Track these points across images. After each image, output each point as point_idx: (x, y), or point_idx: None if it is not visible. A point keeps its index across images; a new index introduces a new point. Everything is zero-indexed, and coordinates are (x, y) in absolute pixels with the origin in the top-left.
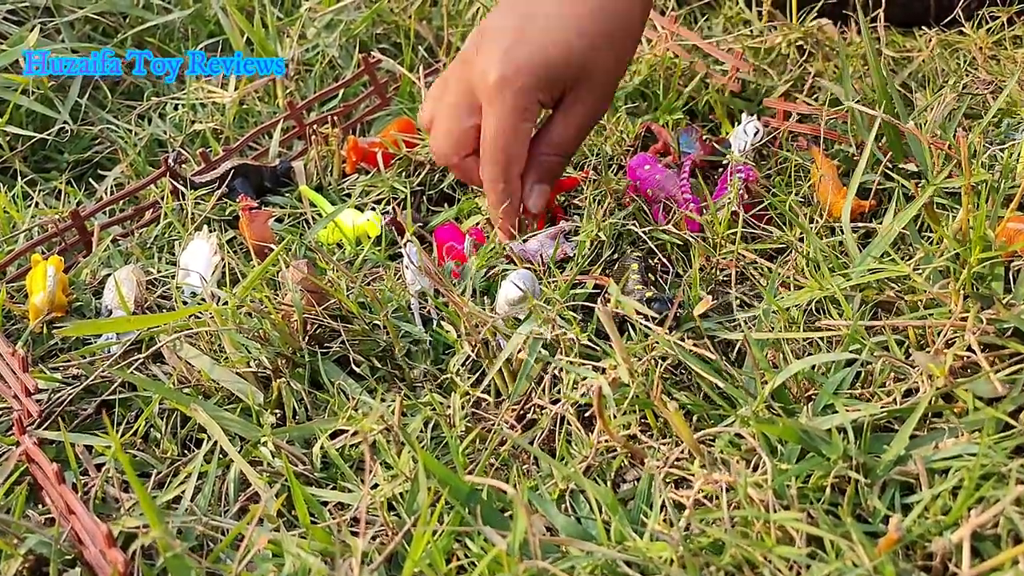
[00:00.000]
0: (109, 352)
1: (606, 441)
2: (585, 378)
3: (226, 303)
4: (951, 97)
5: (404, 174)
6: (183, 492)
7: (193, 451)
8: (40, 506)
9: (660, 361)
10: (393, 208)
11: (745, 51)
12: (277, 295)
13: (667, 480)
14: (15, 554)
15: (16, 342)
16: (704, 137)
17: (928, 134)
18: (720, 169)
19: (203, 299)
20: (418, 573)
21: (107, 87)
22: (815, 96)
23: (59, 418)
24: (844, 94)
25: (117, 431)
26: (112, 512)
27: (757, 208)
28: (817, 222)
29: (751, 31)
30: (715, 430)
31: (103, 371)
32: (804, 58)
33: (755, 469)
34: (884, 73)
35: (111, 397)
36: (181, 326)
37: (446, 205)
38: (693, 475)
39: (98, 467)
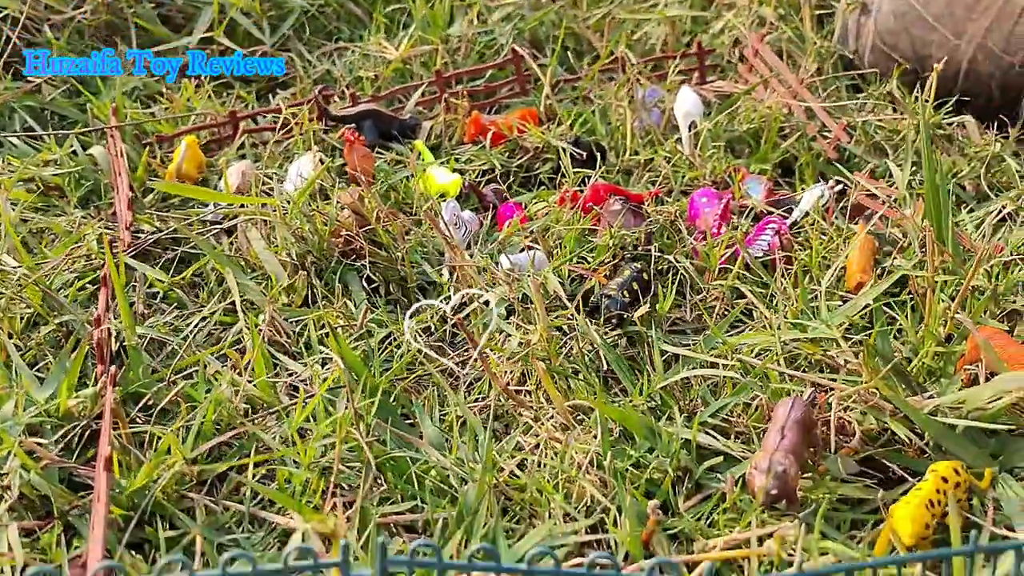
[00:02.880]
0: (204, 218)
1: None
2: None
3: (289, 203)
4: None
5: (508, 155)
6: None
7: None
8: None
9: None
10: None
11: (865, 126)
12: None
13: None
14: None
15: (147, 195)
16: (772, 187)
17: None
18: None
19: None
20: None
21: (311, 25)
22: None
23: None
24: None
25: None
26: None
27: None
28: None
29: (893, 110)
30: (579, 402)
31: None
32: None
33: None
34: (937, 180)
35: (188, 251)
36: (252, 212)
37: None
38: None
39: (152, 295)
